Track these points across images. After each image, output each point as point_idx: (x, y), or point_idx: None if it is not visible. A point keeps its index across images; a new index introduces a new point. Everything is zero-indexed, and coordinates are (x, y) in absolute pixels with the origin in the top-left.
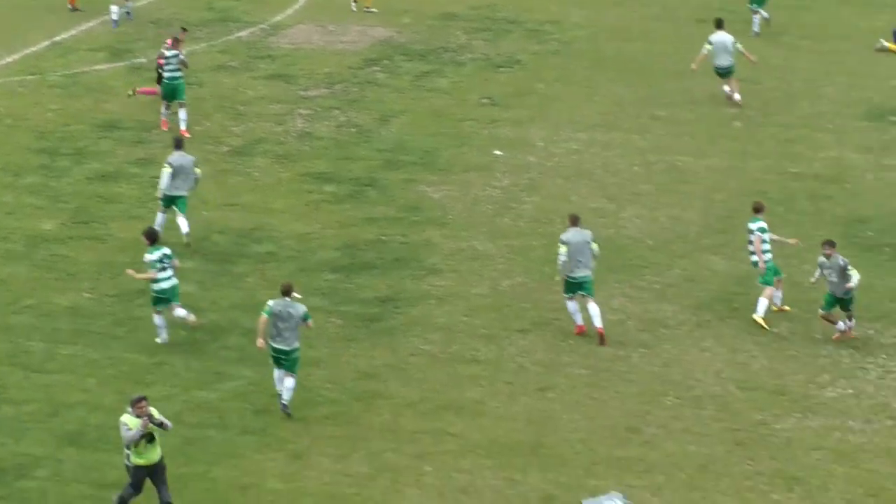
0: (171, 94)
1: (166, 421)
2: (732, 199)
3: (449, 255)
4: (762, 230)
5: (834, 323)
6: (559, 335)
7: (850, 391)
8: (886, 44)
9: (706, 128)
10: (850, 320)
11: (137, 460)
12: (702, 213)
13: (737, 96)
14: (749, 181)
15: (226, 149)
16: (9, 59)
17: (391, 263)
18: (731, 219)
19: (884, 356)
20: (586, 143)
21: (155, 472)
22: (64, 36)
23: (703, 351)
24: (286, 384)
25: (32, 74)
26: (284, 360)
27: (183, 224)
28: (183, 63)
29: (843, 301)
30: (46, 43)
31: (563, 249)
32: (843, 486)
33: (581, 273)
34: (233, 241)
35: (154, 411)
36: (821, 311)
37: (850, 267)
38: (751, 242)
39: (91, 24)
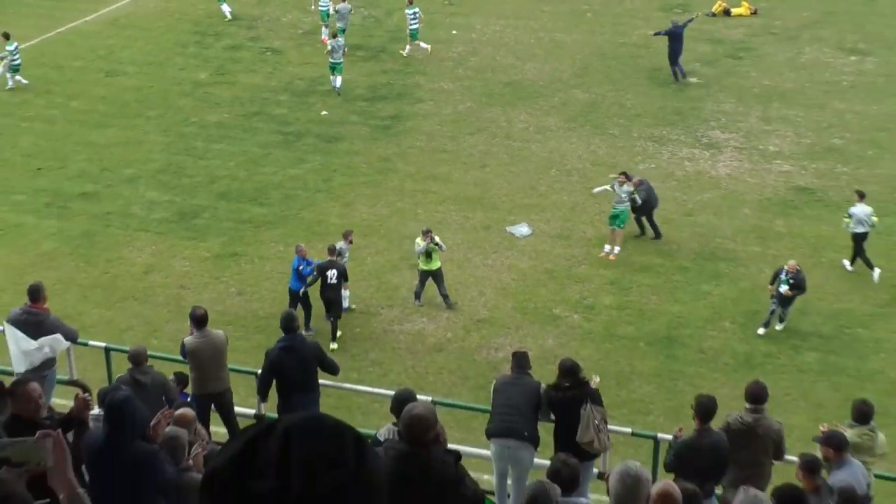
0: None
1: (442, 244)
2: (588, 56)
3: (428, 91)
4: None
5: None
6: (493, 137)
7: None
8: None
9: (572, 16)
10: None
11: (422, 267)
12: (571, 64)
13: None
14: (598, 47)
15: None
16: None
17: (396, 96)
18: (587, 67)
19: None
20: (504, 26)
21: (435, 275)
22: None
23: (571, 143)
24: None
25: None
26: None
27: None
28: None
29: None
30: None
31: None
32: None
33: None
34: (308, 84)
35: (437, 238)
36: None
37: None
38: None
39: None
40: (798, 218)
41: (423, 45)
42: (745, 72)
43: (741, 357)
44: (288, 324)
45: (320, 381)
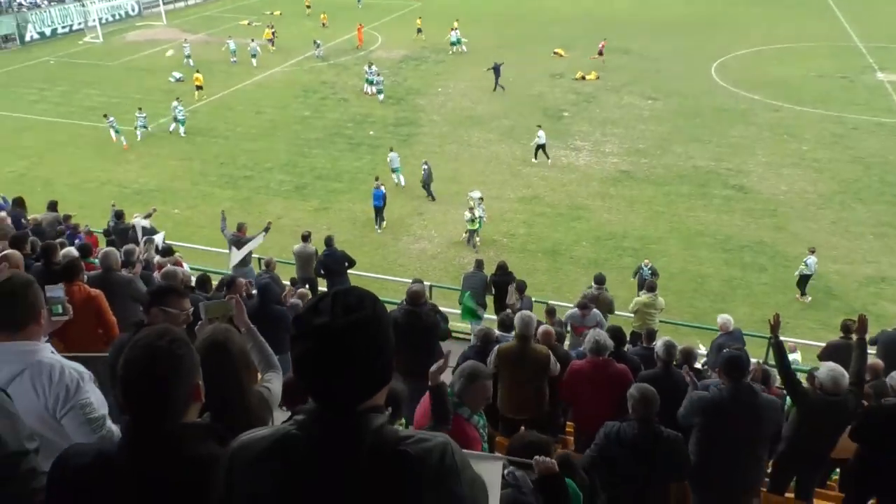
0: None
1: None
2: (510, 101)
3: (426, 121)
4: None
5: None
6: (462, 146)
7: None
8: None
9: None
10: None
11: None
12: (500, 105)
13: None
14: (516, 96)
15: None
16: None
17: (409, 123)
18: (509, 107)
19: None
20: (466, 86)
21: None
22: None
23: (502, 148)
24: None
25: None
26: None
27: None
28: None
29: None
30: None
31: None
32: None
33: None
34: (364, 118)
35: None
36: None
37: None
38: None
39: None
40: (621, 188)
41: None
42: (593, 109)
43: (591, 259)
44: (328, 244)
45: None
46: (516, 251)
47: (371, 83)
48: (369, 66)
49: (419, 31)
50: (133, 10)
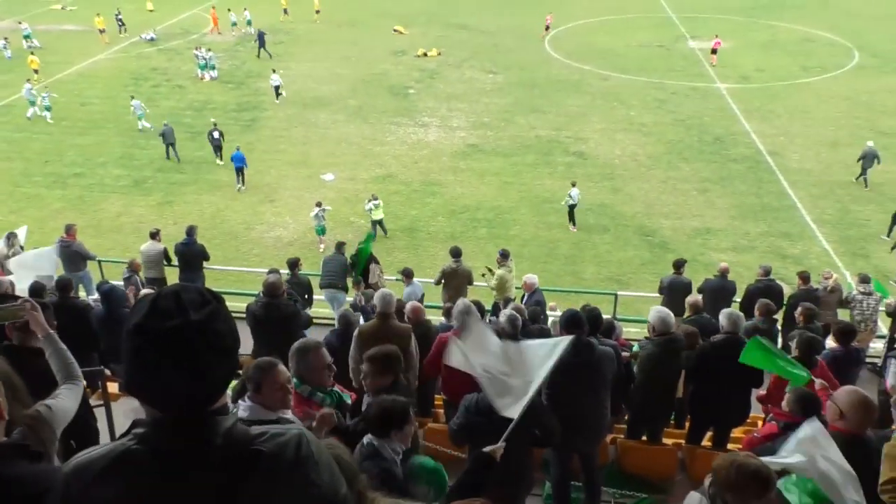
0: None
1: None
2: (356, 82)
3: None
4: None
5: None
6: (311, 127)
7: None
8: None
9: (344, 59)
10: None
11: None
12: (347, 86)
13: None
14: (362, 77)
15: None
16: None
17: (252, 108)
18: (356, 88)
19: None
20: (312, 66)
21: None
22: None
23: (350, 128)
24: None
25: None
26: None
27: None
28: None
29: None
30: None
31: None
32: None
33: None
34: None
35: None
36: None
37: None
38: None
39: None
40: (471, 161)
41: None
42: (437, 85)
43: (448, 233)
44: (189, 233)
45: None
46: (385, 222)
47: (204, 67)
48: (198, 49)
49: (285, 11)
50: None
